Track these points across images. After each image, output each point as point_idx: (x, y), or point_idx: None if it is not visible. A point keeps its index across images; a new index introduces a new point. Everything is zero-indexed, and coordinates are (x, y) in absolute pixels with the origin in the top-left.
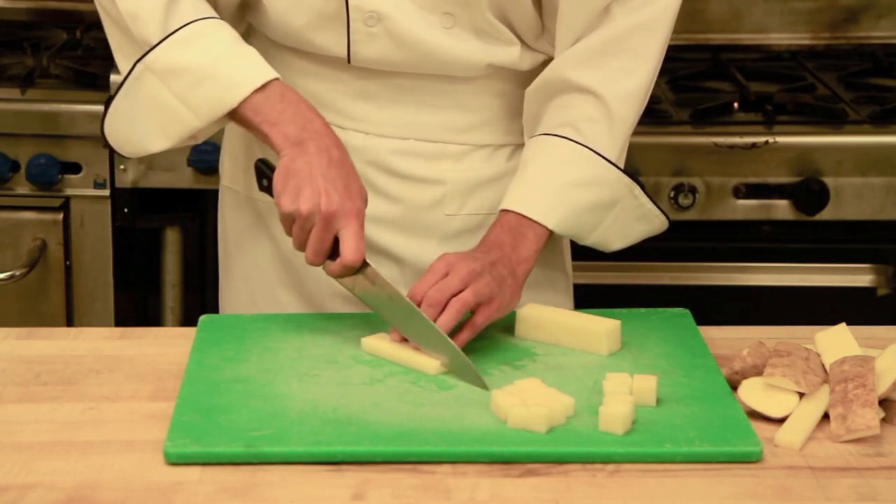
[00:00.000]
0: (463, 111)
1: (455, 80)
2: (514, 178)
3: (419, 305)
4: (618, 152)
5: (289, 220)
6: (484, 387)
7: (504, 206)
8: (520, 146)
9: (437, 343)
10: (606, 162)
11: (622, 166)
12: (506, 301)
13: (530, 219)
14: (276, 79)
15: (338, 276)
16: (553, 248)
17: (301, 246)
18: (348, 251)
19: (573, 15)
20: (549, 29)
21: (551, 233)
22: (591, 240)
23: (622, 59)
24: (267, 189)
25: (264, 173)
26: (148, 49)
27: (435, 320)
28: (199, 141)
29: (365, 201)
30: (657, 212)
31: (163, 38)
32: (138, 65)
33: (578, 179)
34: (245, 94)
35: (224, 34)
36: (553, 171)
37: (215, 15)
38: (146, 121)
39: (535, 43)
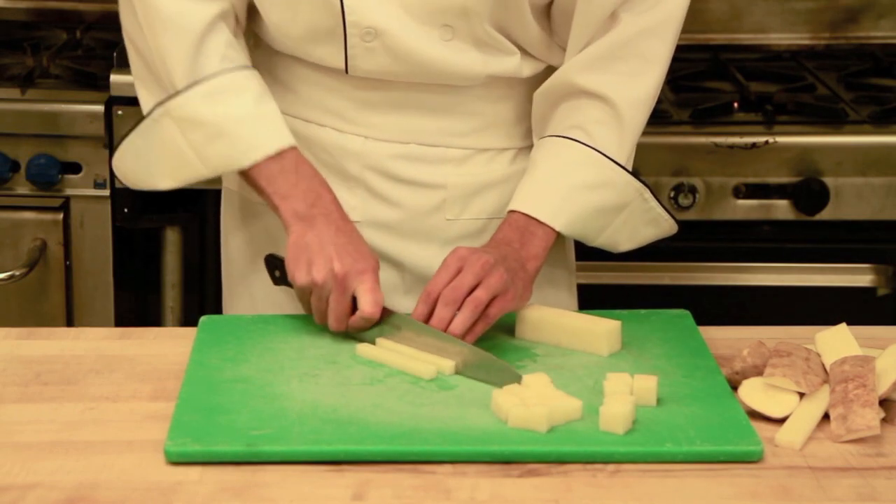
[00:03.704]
0: (464, 116)
1: (456, 88)
2: (523, 179)
3: (434, 304)
4: (626, 156)
5: (306, 294)
6: (517, 379)
7: (512, 206)
8: (522, 149)
9: (456, 348)
10: (615, 165)
11: (630, 170)
12: (518, 292)
13: (538, 220)
14: (293, 147)
15: (359, 329)
16: (557, 245)
17: (322, 317)
18: (366, 304)
19: (583, 21)
20: (561, 38)
21: (559, 234)
22: (599, 242)
23: (630, 64)
24: (280, 280)
25: (275, 266)
26: (171, 94)
27: (451, 319)
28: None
29: (377, 262)
30: (666, 215)
31: (188, 84)
32: (158, 108)
33: (587, 182)
34: (257, 159)
35: (249, 92)
36: (561, 173)
37: (244, 63)
38: (158, 161)
39: (543, 54)
